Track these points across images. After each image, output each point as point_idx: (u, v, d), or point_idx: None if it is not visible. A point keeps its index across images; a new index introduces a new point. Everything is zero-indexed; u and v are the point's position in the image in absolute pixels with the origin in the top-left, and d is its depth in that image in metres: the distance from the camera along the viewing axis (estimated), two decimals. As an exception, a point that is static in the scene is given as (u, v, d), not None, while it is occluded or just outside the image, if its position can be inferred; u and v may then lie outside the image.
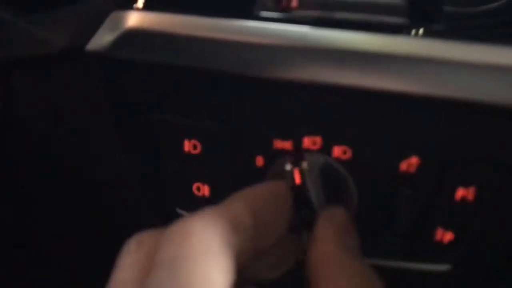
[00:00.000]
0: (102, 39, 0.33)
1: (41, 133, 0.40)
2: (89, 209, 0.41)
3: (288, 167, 0.32)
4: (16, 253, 0.48)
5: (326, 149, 0.32)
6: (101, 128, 0.37)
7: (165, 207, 0.38)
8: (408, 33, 0.27)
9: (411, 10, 0.27)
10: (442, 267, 0.32)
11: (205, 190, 0.35)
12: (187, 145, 0.34)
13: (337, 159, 0.32)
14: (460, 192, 0.30)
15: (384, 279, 0.32)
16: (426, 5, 0.30)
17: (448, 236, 0.31)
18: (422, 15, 0.29)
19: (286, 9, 0.30)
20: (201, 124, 0.33)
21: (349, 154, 0.31)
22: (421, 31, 0.28)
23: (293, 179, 0.32)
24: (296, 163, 0.32)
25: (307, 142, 0.32)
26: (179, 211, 0.37)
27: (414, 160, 0.30)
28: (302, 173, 0.32)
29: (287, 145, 0.32)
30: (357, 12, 0.28)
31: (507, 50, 0.26)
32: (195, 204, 0.36)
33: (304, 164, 0.32)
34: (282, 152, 0.33)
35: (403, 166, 0.30)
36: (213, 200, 0.36)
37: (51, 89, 0.38)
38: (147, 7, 0.33)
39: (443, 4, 0.33)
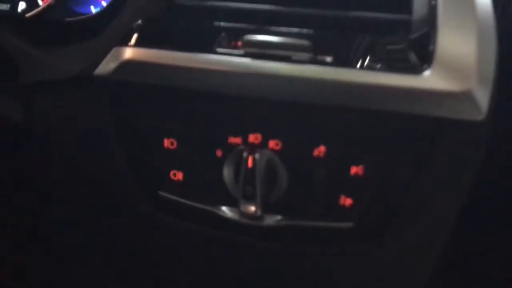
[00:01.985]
0: (106, 67, 0.46)
1: (53, 141, 0.53)
2: (90, 195, 0.53)
3: (245, 155, 0.46)
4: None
5: (264, 142, 0.46)
6: (101, 136, 0.50)
7: (150, 191, 0.51)
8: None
9: (313, 48, 0.42)
10: (347, 225, 0.46)
11: (180, 176, 0.49)
12: (166, 142, 0.48)
13: (272, 150, 0.46)
14: (353, 169, 0.44)
15: (307, 235, 0.46)
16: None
17: (348, 201, 0.46)
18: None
19: (234, 47, 0.45)
20: (178, 126, 0.47)
21: (280, 146, 0.45)
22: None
23: (246, 164, 0.45)
24: (250, 154, 0.46)
25: (251, 137, 0.46)
26: (161, 193, 0.50)
27: (322, 148, 0.44)
28: (254, 160, 0.46)
29: (237, 140, 0.46)
30: (276, 49, 0.42)
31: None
32: (172, 187, 0.50)
33: (256, 155, 0.46)
34: (235, 146, 0.46)
35: (315, 152, 0.45)
36: (186, 183, 0.49)
37: (64, 107, 0.51)
38: (138, 44, 0.47)
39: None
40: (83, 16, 0.55)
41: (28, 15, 0.57)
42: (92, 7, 0.60)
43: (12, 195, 0.56)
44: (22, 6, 0.61)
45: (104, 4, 0.60)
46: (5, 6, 0.61)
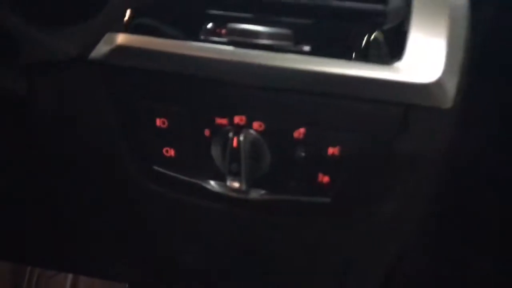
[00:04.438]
0: (100, 51, 0.49)
1: (53, 121, 0.56)
2: (91, 173, 0.58)
3: (231, 135, 0.49)
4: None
5: (249, 123, 0.49)
6: (99, 116, 0.53)
7: (145, 166, 0.55)
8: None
9: (293, 37, 0.44)
10: (324, 200, 0.50)
11: (172, 152, 0.53)
12: (158, 122, 0.51)
13: (256, 131, 0.49)
14: (330, 150, 0.48)
15: (288, 208, 0.50)
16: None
17: (326, 179, 0.49)
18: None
19: (219, 35, 0.48)
20: (168, 107, 0.50)
21: (263, 127, 0.49)
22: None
23: (232, 143, 0.49)
24: (236, 134, 0.49)
25: (237, 119, 0.49)
26: (155, 167, 0.54)
27: (302, 130, 0.48)
28: (238, 140, 0.49)
29: (224, 121, 0.49)
30: (257, 38, 0.44)
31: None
32: (165, 162, 0.53)
33: (241, 135, 0.49)
34: (222, 126, 0.50)
35: (296, 134, 0.48)
36: (177, 159, 0.53)
37: (63, 88, 0.54)
38: (129, 31, 0.50)
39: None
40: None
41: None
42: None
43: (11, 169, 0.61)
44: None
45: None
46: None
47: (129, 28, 0.50)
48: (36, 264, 0.99)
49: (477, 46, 0.43)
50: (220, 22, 0.48)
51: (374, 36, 0.44)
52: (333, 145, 0.47)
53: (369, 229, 0.52)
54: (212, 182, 0.53)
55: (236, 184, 0.51)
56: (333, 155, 0.48)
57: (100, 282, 1.64)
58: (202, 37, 0.48)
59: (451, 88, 0.41)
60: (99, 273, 0.84)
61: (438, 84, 0.41)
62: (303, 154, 0.49)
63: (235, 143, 0.49)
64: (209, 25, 0.49)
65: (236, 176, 0.50)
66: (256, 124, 0.49)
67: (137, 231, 0.60)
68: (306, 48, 0.46)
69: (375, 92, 0.43)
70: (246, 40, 0.45)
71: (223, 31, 0.46)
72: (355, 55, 0.44)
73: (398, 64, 0.42)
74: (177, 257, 0.61)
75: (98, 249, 0.69)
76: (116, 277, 0.89)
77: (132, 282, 1.09)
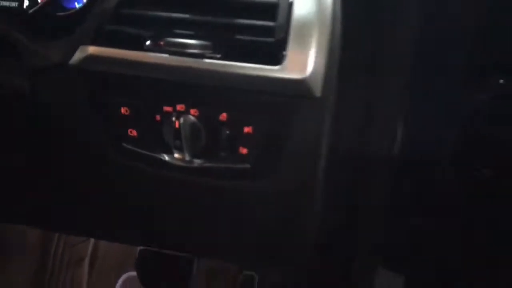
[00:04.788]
0: (76, 58, 0.67)
1: (45, 113, 0.74)
2: (78, 153, 0.76)
3: (174, 119, 0.66)
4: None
5: (187, 110, 0.66)
6: (78, 107, 0.71)
7: (116, 143, 0.72)
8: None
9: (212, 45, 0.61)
10: (245, 166, 0.67)
11: (134, 133, 0.70)
12: (123, 110, 0.68)
13: (193, 115, 0.66)
14: (246, 129, 0.64)
15: (220, 173, 0.67)
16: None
17: (244, 151, 0.66)
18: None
19: (160, 46, 0.64)
20: (129, 100, 0.68)
21: (197, 113, 0.65)
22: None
23: (175, 125, 0.66)
24: (178, 118, 0.66)
25: (178, 107, 0.66)
26: (123, 145, 0.72)
27: (224, 115, 0.64)
28: (180, 123, 0.66)
29: (169, 109, 0.66)
30: (186, 49, 0.61)
31: None
32: (130, 141, 0.71)
33: (181, 119, 0.66)
34: (168, 113, 0.67)
35: (221, 117, 0.65)
36: (139, 138, 0.70)
37: (50, 86, 0.72)
38: (97, 43, 0.67)
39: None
40: (68, 12, 0.75)
41: (30, 11, 0.77)
42: (76, 3, 0.80)
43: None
44: (26, 3, 0.81)
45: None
46: (14, 4, 0.81)
47: (102, 34, 0.67)
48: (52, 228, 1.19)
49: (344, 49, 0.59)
50: (160, 35, 0.64)
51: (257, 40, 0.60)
52: (247, 125, 0.64)
53: (280, 190, 0.69)
54: (164, 155, 0.70)
55: (180, 156, 0.68)
56: (248, 133, 0.65)
57: (118, 248, 1.84)
58: (146, 47, 0.65)
59: (317, 84, 0.58)
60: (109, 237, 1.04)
61: (308, 79, 0.57)
62: (227, 132, 0.66)
63: (177, 125, 0.66)
64: (152, 38, 0.65)
65: (180, 150, 0.67)
66: (192, 111, 0.66)
67: (115, 198, 0.78)
68: (218, 55, 0.63)
69: (267, 86, 0.59)
70: (178, 50, 0.62)
71: (162, 43, 0.63)
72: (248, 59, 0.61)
73: (277, 66, 0.59)
74: (144, 218, 0.80)
75: (98, 214, 0.88)
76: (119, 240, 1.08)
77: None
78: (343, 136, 0.69)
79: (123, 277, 1.79)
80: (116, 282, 1.79)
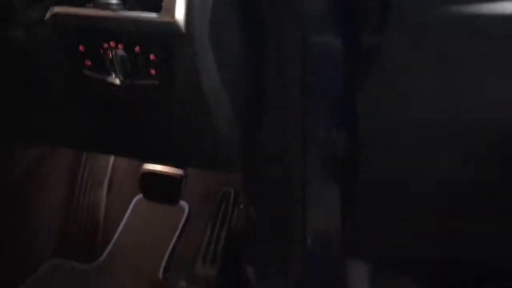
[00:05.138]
0: (49, 15, 1.04)
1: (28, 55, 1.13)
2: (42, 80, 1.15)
3: (109, 51, 1.02)
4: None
5: (117, 46, 1.02)
6: (53, 52, 1.08)
7: (78, 71, 1.09)
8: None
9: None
10: (155, 82, 1.02)
11: (89, 63, 1.07)
12: (80, 47, 1.05)
13: (120, 49, 1.02)
14: (151, 56, 0.99)
15: (144, 88, 1.05)
16: None
17: (153, 71, 1.01)
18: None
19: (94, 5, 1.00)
20: (84, 41, 1.05)
21: (122, 47, 1.01)
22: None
23: (110, 56, 1.02)
24: (111, 51, 1.02)
25: (112, 43, 1.02)
26: (83, 71, 1.09)
27: (137, 48, 1.00)
28: (112, 54, 1.02)
29: (106, 45, 1.02)
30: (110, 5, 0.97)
31: None
32: (87, 68, 1.08)
33: (113, 52, 1.02)
34: (106, 48, 1.03)
35: (136, 49, 1.00)
36: (92, 66, 1.07)
37: (33, 36, 1.10)
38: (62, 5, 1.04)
39: None
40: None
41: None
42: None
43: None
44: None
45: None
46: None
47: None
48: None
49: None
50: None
51: None
52: (152, 53, 1.00)
53: (184, 99, 1.04)
54: (108, 77, 1.07)
55: (116, 78, 1.05)
56: (153, 59, 1.00)
57: (131, 175, 2.22)
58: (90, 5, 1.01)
59: (182, 22, 0.92)
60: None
61: (176, 21, 0.92)
62: (143, 59, 1.02)
63: (110, 56, 1.02)
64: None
65: (116, 72, 1.04)
66: (120, 46, 1.02)
67: (84, 111, 1.18)
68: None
69: (156, 28, 0.94)
70: (105, 6, 0.98)
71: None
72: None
73: (160, 13, 0.93)
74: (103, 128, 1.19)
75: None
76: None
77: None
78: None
79: (136, 198, 2.17)
80: (129, 204, 2.19)
